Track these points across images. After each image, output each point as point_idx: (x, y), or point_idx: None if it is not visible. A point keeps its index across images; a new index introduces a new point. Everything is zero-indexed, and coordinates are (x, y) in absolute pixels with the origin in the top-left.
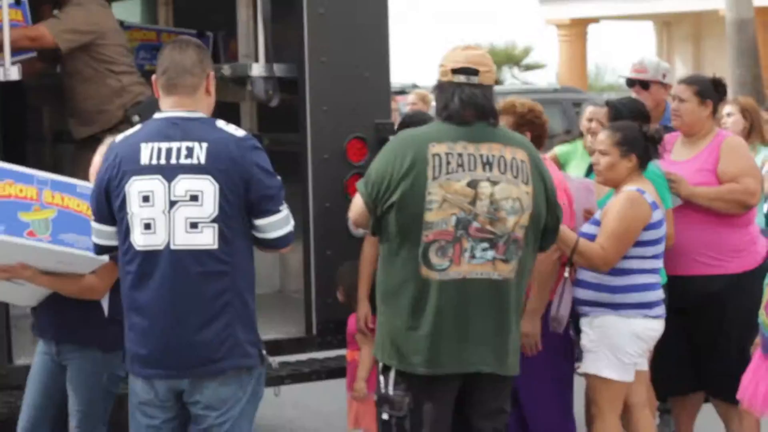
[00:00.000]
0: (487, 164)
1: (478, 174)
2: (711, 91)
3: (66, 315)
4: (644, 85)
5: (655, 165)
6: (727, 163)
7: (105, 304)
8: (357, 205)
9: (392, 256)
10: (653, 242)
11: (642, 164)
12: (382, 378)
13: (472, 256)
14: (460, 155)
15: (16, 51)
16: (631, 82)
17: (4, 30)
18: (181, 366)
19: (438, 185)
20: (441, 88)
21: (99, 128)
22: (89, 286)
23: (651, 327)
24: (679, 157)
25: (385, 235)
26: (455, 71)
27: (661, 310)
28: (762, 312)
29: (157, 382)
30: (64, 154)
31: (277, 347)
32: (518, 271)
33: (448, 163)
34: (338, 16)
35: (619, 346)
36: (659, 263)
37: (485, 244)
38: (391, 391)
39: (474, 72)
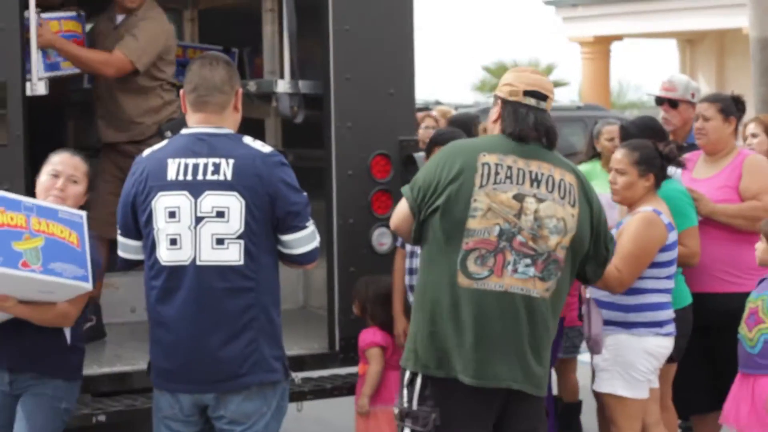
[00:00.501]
0: (536, 181)
1: (526, 189)
2: (733, 108)
3: (26, 343)
4: (673, 103)
5: (678, 182)
6: (749, 181)
7: (67, 332)
8: (401, 210)
9: (431, 262)
10: (668, 263)
11: (657, 183)
12: (406, 391)
13: (515, 270)
14: (509, 168)
15: (89, 73)
16: (660, 100)
17: (32, 45)
18: (205, 380)
19: (484, 193)
20: (512, 106)
21: (128, 138)
22: (63, 313)
23: (662, 344)
24: (700, 175)
25: (426, 241)
26: (527, 93)
27: (671, 327)
28: (743, 326)
29: (182, 396)
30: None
31: (300, 363)
32: (555, 291)
33: (497, 173)
34: (363, 32)
35: (632, 363)
36: (672, 283)
37: (528, 260)
38: (415, 405)
39: (544, 97)
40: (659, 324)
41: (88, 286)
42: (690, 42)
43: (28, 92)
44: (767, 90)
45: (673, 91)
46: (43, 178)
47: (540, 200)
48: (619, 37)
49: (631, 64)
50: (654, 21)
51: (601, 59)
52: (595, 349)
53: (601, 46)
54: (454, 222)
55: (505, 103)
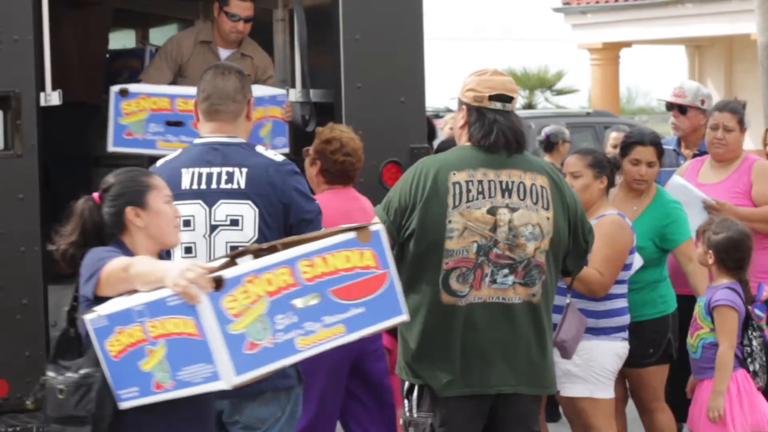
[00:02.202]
0: (507, 191)
1: (498, 200)
2: (745, 117)
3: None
4: (682, 109)
5: (666, 193)
6: (762, 187)
7: None
8: None
9: (413, 281)
10: (629, 266)
11: (607, 188)
12: (406, 401)
13: (493, 281)
14: (480, 182)
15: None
16: (669, 106)
17: (45, 56)
18: None
19: (458, 213)
20: (479, 113)
21: None
22: None
23: (626, 347)
24: (707, 180)
25: (405, 261)
26: (492, 98)
27: (627, 333)
28: (689, 333)
29: None
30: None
31: None
32: (542, 294)
33: (469, 191)
34: (374, 41)
35: (605, 367)
36: (627, 287)
37: (506, 270)
38: (415, 414)
39: (509, 99)
40: (623, 329)
41: (223, 384)
42: (698, 48)
43: (42, 102)
44: None
45: (682, 97)
46: (165, 208)
47: (513, 209)
48: (628, 44)
49: (640, 70)
50: (663, 27)
51: (610, 66)
52: (562, 353)
53: (611, 52)
54: (431, 244)
55: (470, 109)
